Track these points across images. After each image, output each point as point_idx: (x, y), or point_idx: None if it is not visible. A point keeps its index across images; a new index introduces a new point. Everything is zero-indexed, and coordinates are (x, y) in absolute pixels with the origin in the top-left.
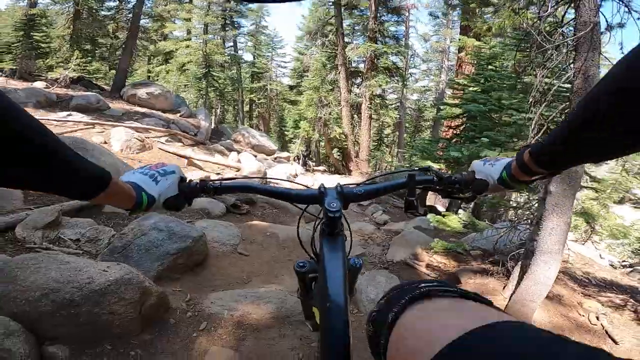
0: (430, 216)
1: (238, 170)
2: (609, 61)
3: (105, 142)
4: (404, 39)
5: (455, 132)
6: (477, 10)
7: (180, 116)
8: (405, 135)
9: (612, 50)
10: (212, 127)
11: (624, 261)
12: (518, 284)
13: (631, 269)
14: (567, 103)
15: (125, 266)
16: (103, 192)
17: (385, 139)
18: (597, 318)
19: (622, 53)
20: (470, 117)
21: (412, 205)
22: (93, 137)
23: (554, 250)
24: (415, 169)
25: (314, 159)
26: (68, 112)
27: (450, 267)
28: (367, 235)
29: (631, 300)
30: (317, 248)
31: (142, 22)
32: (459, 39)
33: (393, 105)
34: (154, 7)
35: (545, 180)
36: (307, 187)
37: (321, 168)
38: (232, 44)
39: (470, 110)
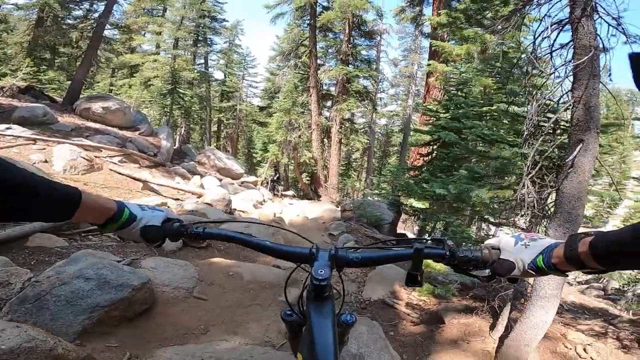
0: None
1: (200, 196)
2: (607, 88)
3: (46, 161)
4: (375, 63)
5: (425, 159)
6: (445, 36)
7: (140, 134)
8: (373, 160)
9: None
10: (175, 147)
11: (578, 277)
12: (509, 326)
13: (587, 286)
14: (566, 136)
15: (26, 329)
16: (76, 212)
17: (354, 163)
18: (585, 350)
19: (611, 80)
20: (442, 145)
21: (415, 280)
22: (32, 155)
23: (552, 295)
24: (424, 239)
25: (282, 183)
26: (7, 125)
27: (430, 305)
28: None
29: (610, 326)
30: (304, 306)
31: (108, 32)
32: (429, 64)
33: (362, 130)
34: (125, 18)
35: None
36: (304, 238)
37: (290, 193)
38: (203, 60)
39: (443, 138)
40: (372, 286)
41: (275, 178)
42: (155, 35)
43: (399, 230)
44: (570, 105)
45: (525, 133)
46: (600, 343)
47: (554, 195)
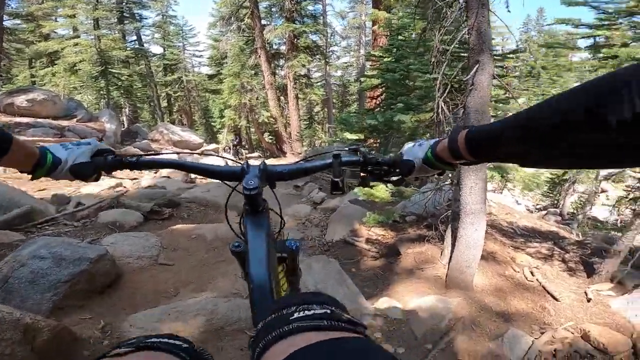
0: (357, 189)
1: (157, 171)
2: (499, 18)
3: None
4: (322, 17)
5: (377, 102)
6: None
7: (77, 121)
8: (334, 110)
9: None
10: (124, 128)
11: (538, 204)
12: (452, 249)
13: (545, 212)
14: (466, 61)
15: None
16: (6, 154)
17: (316, 116)
18: (532, 273)
19: (509, 11)
20: (388, 87)
21: (337, 187)
22: None
23: (477, 210)
24: (344, 149)
25: (246, 146)
26: None
27: (388, 238)
28: (304, 218)
29: (556, 248)
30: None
31: (9, 23)
32: (372, 13)
33: (319, 84)
34: (26, 6)
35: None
36: (236, 162)
37: (255, 154)
38: (135, 37)
39: (387, 80)
40: (334, 227)
41: (236, 142)
42: (69, 18)
43: None
44: (466, 32)
45: (433, 60)
46: (547, 266)
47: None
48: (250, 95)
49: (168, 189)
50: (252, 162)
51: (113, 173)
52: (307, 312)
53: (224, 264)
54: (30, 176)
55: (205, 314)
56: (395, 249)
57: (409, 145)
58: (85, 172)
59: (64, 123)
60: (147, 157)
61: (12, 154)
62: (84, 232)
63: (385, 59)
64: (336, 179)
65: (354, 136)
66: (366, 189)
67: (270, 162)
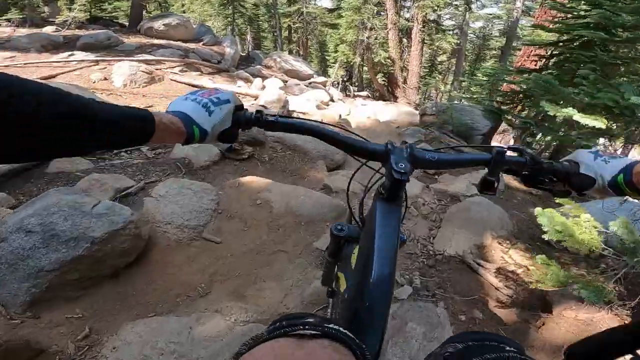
0: (537, 211)
1: (256, 98)
2: None
3: (106, 79)
4: None
5: (545, 62)
6: None
7: (203, 45)
8: (464, 63)
9: None
10: (243, 53)
11: None
12: None
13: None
14: None
15: None
16: (152, 137)
17: (439, 66)
18: None
19: None
20: (582, 46)
21: (490, 186)
22: (92, 75)
23: None
24: (505, 146)
25: (356, 83)
26: (70, 52)
27: (539, 278)
28: (410, 200)
29: None
30: (364, 212)
31: None
32: None
33: (452, 32)
34: None
35: None
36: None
37: (364, 93)
38: None
39: (585, 37)
40: (451, 231)
41: (347, 78)
42: None
43: (494, 144)
44: None
45: None
46: None
47: None
48: (369, 33)
49: None
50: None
51: None
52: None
53: (285, 257)
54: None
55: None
56: (544, 302)
57: (586, 154)
58: (230, 137)
59: (192, 45)
60: (285, 118)
61: (158, 136)
62: (145, 170)
63: (582, 9)
64: (491, 178)
65: (590, 120)
66: (561, 223)
67: (378, 105)
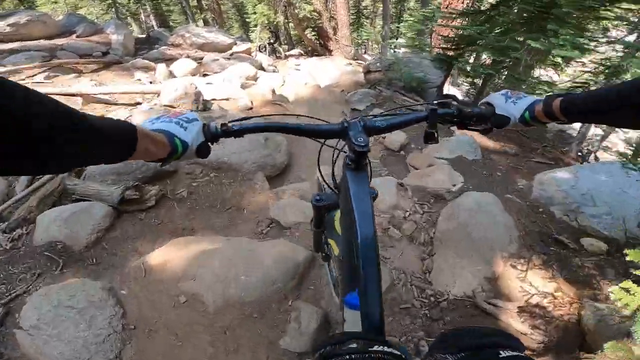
0: (614, 293)
1: (158, 94)
2: None
3: None
4: None
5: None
6: None
7: (77, 37)
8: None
9: None
10: (142, 36)
11: None
12: None
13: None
14: None
15: None
16: (135, 149)
17: (365, 10)
18: None
19: None
20: None
21: (432, 137)
22: None
23: None
24: (435, 102)
25: (285, 42)
26: None
27: (566, 305)
28: (386, 213)
29: None
30: (337, 181)
31: None
32: None
33: None
34: None
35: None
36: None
37: (295, 52)
38: None
39: None
40: (450, 260)
41: (274, 40)
42: None
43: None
44: None
45: None
46: None
47: None
48: None
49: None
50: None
51: None
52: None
53: None
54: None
55: None
56: (583, 338)
57: (498, 98)
58: (206, 151)
59: (60, 41)
60: (247, 124)
61: (140, 151)
62: (5, 274)
63: None
64: (431, 131)
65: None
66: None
67: (313, 62)
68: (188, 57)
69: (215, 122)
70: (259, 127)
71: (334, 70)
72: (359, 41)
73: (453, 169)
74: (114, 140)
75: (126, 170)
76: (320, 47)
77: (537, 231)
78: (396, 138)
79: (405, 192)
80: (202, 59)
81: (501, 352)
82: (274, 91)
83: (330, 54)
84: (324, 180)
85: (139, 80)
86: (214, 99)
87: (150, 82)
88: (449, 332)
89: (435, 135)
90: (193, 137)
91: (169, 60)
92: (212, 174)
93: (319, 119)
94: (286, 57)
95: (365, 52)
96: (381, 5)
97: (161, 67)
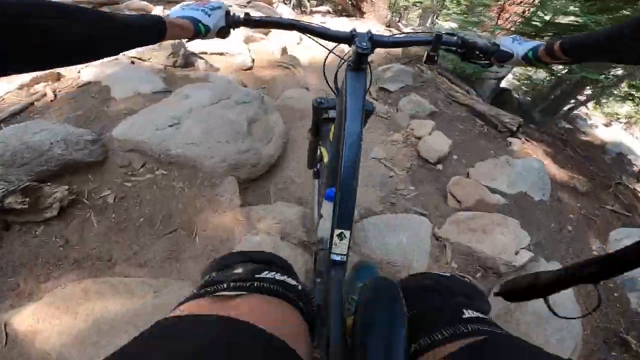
0: None
1: None
2: None
3: None
4: None
5: None
6: None
7: None
8: None
9: None
10: None
11: None
12: None
13: None
14: None
15: None
16: (165, 34)
17: None
18: None
19: None
20: None
21: (432, 60)
22: None
23: None
24: (442, 32)
25: None
26: None
27: None
28: (392, 265)
29: None
30: (339, 83)
31: None
32: None
33: None
34: None
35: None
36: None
37: (323, 8)
38: None
39: None
40: None
41: None
42: None
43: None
44: None
45: None
46: None
47: None
48: None
49: (115, 95)
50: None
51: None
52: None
53: None
54: None
55: None
56: None
57: (506, 39)
58: (225, 34)
59: None
60: (268, 17)
61: (170, 34)
62: None
63: None
64: (433, 54)
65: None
66: None
67: (341, 23)
68: None
69: (237, 15)
70: (277, 22)
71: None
72: (395, 7)
73: (514, 213)
74: (146, 31)
75: (16, 161)
76: (352, 8)
77: (604, 327)
78: (436, 145)
79: (441, 251)
80: None
81: (465, 311)
82: (284, 50)
83: (362, 16)
84: (326, 80)
85: None
86: (203, 52)
87: None
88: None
89: (436, 59)
90: (215, 22)
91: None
92: (158, 170)
93: (330, 31)
94: (312, 12)
95: (399, 21)
96: None
97: (158, 10)
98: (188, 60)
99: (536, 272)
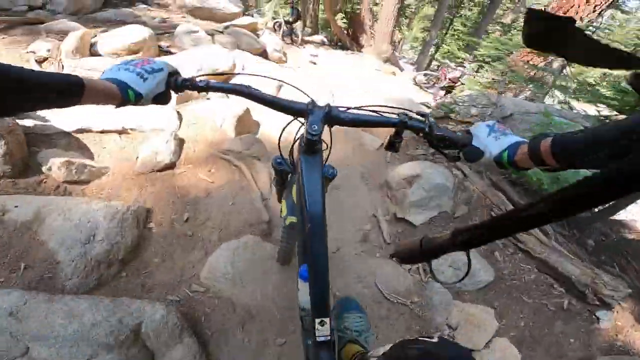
0: None
1: None
2: None
3: None
4: None
5: None
6: None
7: None
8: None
9: None
10: None
11: None
12: None
13: None
14: None
15: None
16: (81, 98)
17: (407, 9)
18: None
19: None
20: None
21: (394, 147)
22: None
23: None
24: (413, 111)
25: (308, 23)
26: None
27: None
28: None
29: None
30: (294, 157)
31: None
32: None
33: None
34: None
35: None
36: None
37: (317, 38)
38: None
39: None
40: None
41: (293, 19)
42: None
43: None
44: None
45: None
46: None
47: None
48: None
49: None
50: (316, 100)
51: None
52: None
53: None
54: None
55: None
56: None
57: (482, 129)
58: (164, 100)
59: None
60: (214, 82)
61: (89, 98)
62: None
63: None
64: (396, 140)
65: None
66: None
67: (337, 58)
68: (141, 24)
69: (181, 78)
70: (224, 88)
71: (365, 75)
72: (399, 44)
73: None
74: (60, 92)
75: None
76: (349, 41)
77: None
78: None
79: None
80: (172, 28)
81: None
82: (243, 118)
83: (359, 49)
84: (282, 155)
85: (32, 52)
86: (84, 130)
87: (37, 61)
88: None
89: (397, 146)
90: (151, 88)
91: (131, 23)
92: None
93: (305, 93)
94: (304, 42)
95: (394, 50)
96: (425, 7)
97: (72, 38)
98: (36, 161)
99: (425, 235)
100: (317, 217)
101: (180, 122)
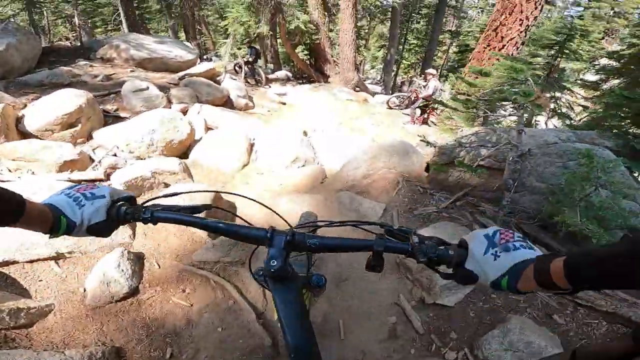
0: None
1: None
2: None
3: None
4: None
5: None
6: None
7: None
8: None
9: None
10: (49, 44)
11: None
12: None
13: None
14: None
15: None
16: (18, 220)
17: (361, 30)
18: None
19: None
20: None
21: (374, 269)
22: None
23: None
24: (394, 228)
25: (269, 60)
26: None
27: None
28: None
29: None
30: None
31: None
32: None
33: None
34: None
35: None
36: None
37: (282, 74)
38: None
39: None
40: None
41: (253, 58)
42: None
43: None
44: None
45: None
46: None
47: None
48: None
49: None
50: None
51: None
52: None
53: None
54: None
55: None
56: None
57: (479, 242)
58: (102, 231)
59: None
60: (161, 212)
61: (24, 222)
62: None
63: None
64: (375, 264)
65: None
66: None
67: (304, 91)
68: (128, 74)
69: (125, 206)
70: (175, 219)
71: (339, 107)
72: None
73: None
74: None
75: None
76: (314, 72)
77: None
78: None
79: None
80: (117, 89)
81: None
82: (209, 214)
83: (326, 80)
84: (255, 278)
85: None
86: (12, 261)
87: None
88: None
89: (378, 268)
90: (87, 216)
91: (69, 85)
92: None
93: (275, 212)
94: (269, 81)
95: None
96: (377, 26)
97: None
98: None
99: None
100: (301, 349)
101: (134, 231)
